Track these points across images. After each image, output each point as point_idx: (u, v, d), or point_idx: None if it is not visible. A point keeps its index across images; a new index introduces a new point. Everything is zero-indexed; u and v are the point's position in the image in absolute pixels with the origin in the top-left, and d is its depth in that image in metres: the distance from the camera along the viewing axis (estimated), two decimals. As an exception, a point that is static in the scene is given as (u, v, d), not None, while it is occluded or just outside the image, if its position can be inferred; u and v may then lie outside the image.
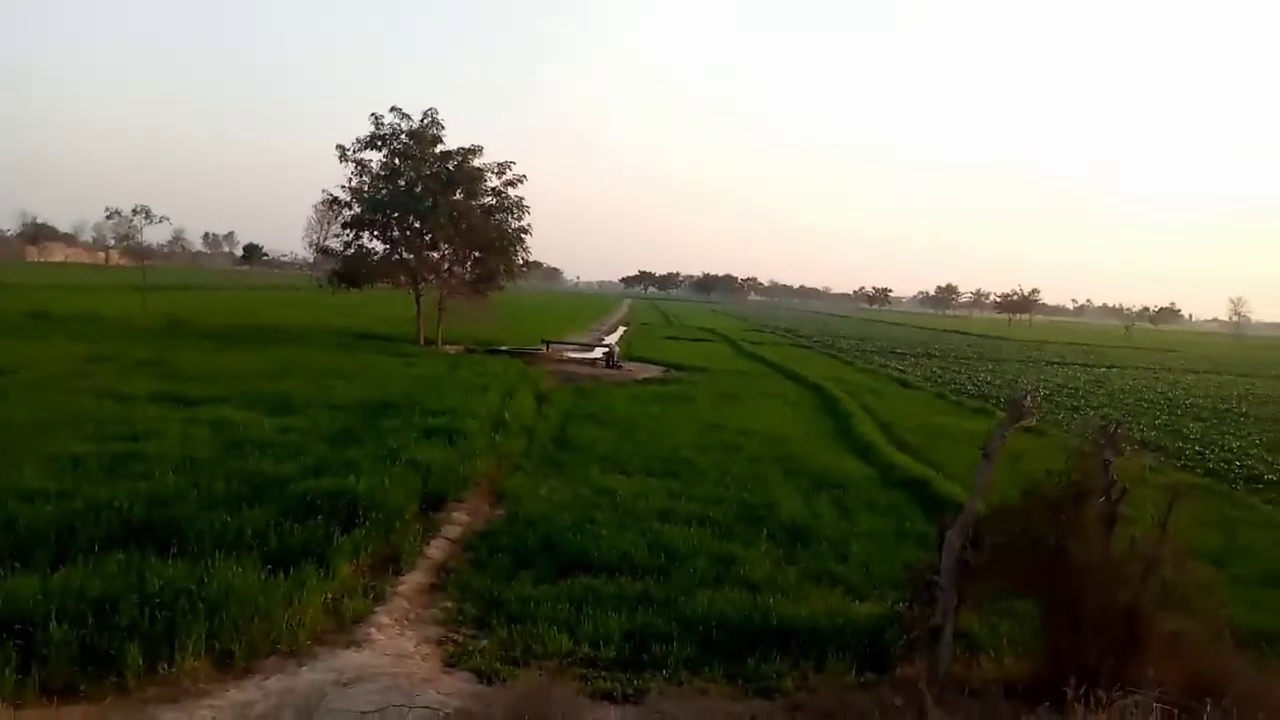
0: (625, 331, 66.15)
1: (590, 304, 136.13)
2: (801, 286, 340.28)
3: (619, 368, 36.36)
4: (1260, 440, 26.72)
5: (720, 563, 11.20)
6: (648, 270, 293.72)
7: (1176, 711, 5.65)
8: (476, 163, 38.71)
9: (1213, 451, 23.95)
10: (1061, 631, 7.43)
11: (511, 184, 39.08)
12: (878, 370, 44.77)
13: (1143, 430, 27.13)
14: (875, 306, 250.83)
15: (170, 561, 8.87)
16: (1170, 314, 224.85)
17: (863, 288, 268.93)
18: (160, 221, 52.66)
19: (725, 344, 59.36)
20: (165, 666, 7.28)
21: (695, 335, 67.07)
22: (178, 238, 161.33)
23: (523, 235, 39.73)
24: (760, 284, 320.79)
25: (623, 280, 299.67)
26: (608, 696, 7.48)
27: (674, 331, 71.68)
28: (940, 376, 43.36)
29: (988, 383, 40.94)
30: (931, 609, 7.47)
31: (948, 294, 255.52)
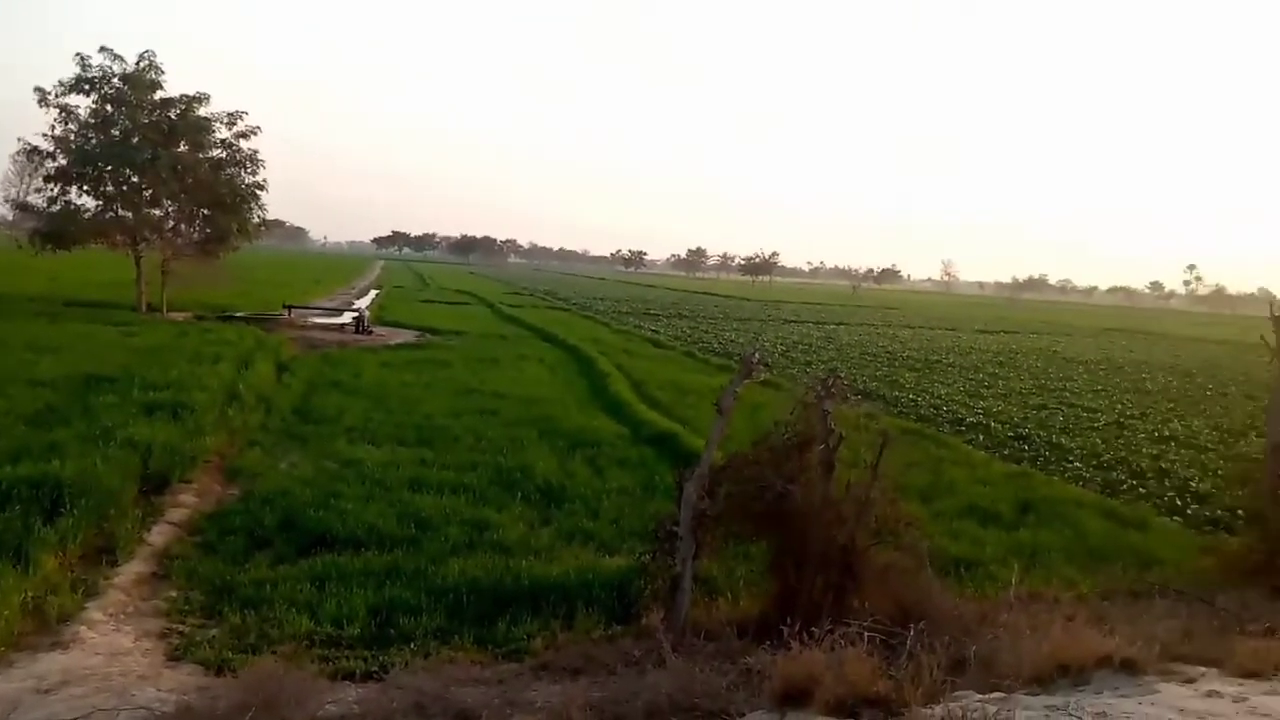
0: (378, 295, 63.70)
1: (339, 266, 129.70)
2: (561, 249, 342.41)
3: (370, 333, 35.01)
4: (963, 387, 30.04)
5: (474, 529, 11.13)
6: (402, 230, 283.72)
7: (881, 638, 6.24)
8: (203, 112, 35.56)
9: (924, 398, 26.63)
10: (788, 571, 7.99)
11: (244, 135, 36.21)
12: (632, 331, 45.97)
13: (865, 381, 29.70)
14: (631, 269, 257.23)
15: None
16: (892, 274, 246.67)
17: (620, 250, 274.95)
18: None
19: (483, 307, 58.68)
20: None
21: (453, 299, 65.75)
22: None
23: (257, 191, 36.98)
24: (520, 246, 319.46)
25: (375, 241, 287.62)
26: (350, 676, 7.22)
27: (430, 295, 69.91)
28: (690, 336, 45.23)
29: (733, 341, 43.18)
30: (672, 559, 7.79)
31: (698, 257, 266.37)
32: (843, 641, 5.13)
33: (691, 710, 5.35)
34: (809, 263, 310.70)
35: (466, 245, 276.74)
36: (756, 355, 8.41)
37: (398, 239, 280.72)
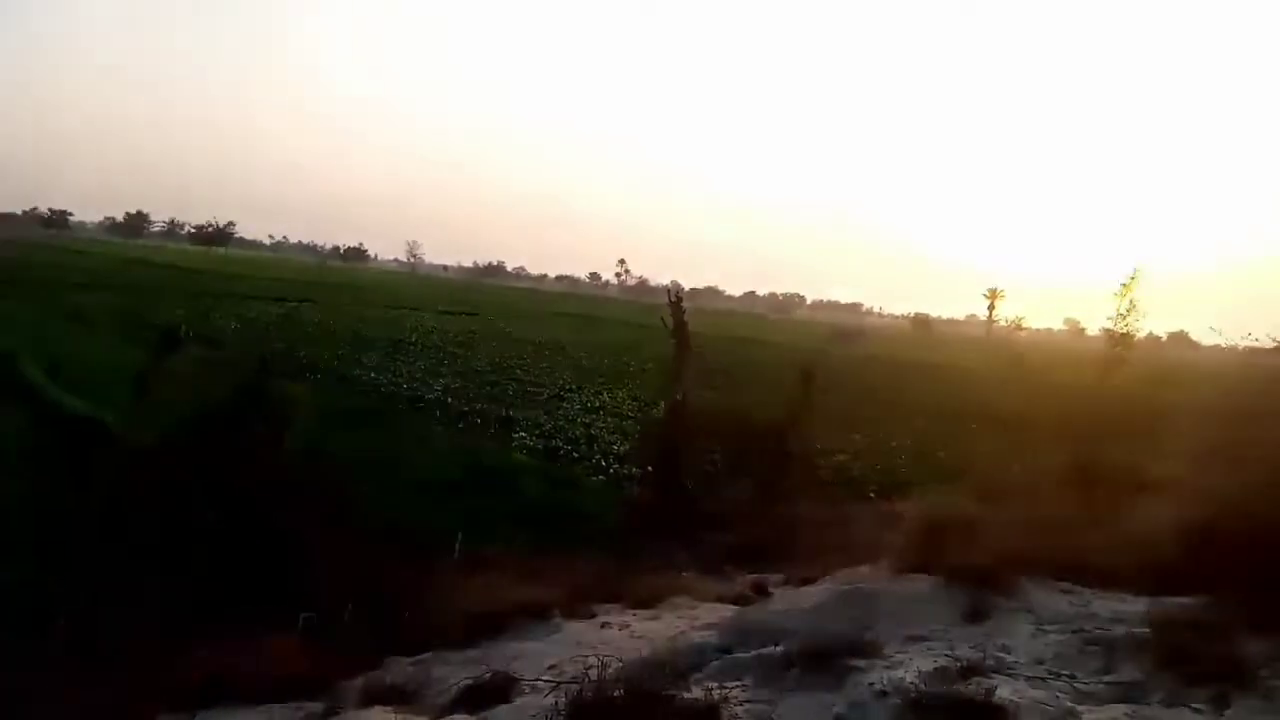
0: None
1: None
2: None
3: None
4: (424, 366, 30.90)
5: None
6: None
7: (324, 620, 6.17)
8: None
9: (386, 377, 26.89)
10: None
11: None
12: None
13: (325, 360, 29.06)
14: (51, 231, 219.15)
15: None
16: (359, 253, 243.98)
17: (35, 208, 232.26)
18: None
19: None
20: None
21: None
22: None
23: None
24: None
25: None
26: None
27: None
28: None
29: (184, 319, 39.15)
30: None
31: (139, 221, 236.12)
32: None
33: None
34: (271, 236, 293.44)
35: None
36: None
37: None
